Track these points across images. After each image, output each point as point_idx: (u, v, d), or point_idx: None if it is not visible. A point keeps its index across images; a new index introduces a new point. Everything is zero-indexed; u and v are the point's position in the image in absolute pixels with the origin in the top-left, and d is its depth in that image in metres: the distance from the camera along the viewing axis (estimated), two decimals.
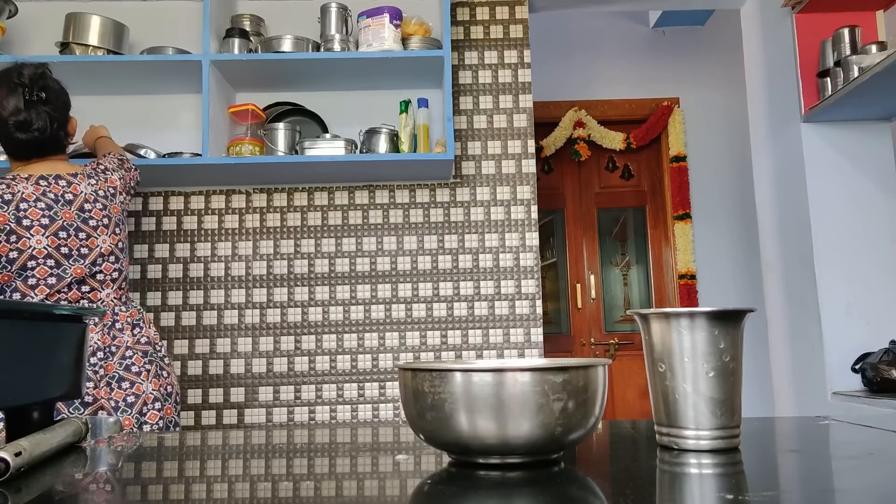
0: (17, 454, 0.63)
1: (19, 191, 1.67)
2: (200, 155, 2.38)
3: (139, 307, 1.87)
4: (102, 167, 1.86)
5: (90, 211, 1.75)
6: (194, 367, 2.55)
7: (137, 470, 0.74)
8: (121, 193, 1.85)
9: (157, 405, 1.74)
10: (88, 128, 2.26)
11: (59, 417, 0.85)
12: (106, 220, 1.77)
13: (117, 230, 1.80)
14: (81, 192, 1.75)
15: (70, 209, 1.72)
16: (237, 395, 2.55)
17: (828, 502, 0.52)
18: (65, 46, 2.41)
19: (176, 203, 2.63)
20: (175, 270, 2.60)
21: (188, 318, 2.58)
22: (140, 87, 2.59)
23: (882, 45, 2.27)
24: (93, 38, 2.41)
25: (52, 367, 0.82)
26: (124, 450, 0.85)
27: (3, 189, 1.67)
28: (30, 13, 2.61)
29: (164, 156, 2.48)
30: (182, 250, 2.61)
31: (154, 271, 2.60)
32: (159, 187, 2.62)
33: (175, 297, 2.58)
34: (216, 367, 2.56)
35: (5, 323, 0.72)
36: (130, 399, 1.69)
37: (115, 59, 2.40)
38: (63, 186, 1.73)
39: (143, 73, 2.47)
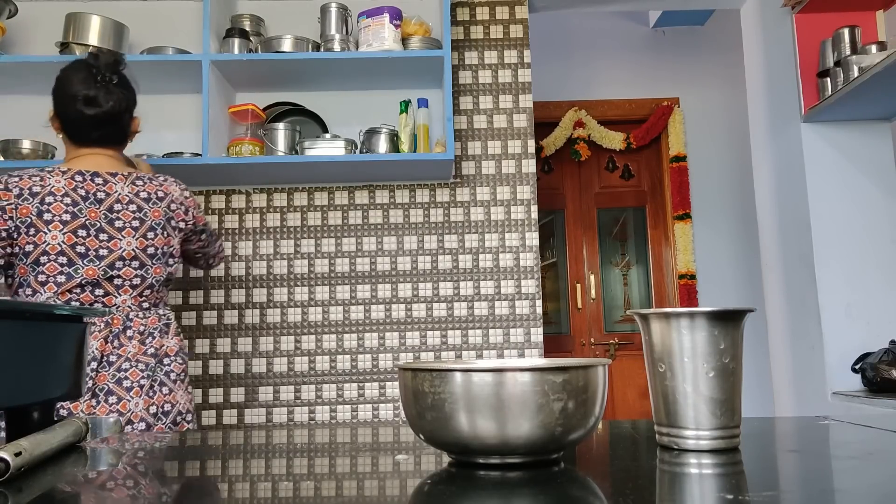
0: (17, 454, 0.63)
1: (50, 184, 1.63)
2: (200, 155, 2.38)
3: (165, 314, 1.75)
4: (163, 177, 1.79)
5: (119, 212, 1.67)
6: (194, 367, 2.55)
7: (137, 470, 0.74)
8: (171, 203, 1.76)
9: (143, 425, 1.62)
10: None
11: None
12: (136, 223, 1.69)
13: (150, 235, 1.70)
14: (116, 192, 1.68)
15: (98, 208, 1.66)
16: (237, 395, 2.55)
17: (828, 502, 0.52)
18: (65, 46, 2.41)
19: None
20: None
21: (188, 319, 2.58)
22: (140, 87, 2.59)
23: (882, 45, 2.27)
24: (93, 38, 2.41)
25: (52, 367, 0.82)
26: (124, 450, 0.85)
27: (35, 181, 1.63)
28: (30, 13, 2.61)
29: (164, 156, 2.48)
30: None
31: None
32: None
33: (175, 298, 2.58)
34: (216, 367, 2.56)
35: (5, 323, 0.72)
36: (112, 417, 1.62)
37: None
38: (98, 185, 1.67)
39: (142, 73, 2.46)
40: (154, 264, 1.71)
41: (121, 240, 1.66)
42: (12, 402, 0.74)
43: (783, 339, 2.71)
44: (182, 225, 1.80)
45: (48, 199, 1.62)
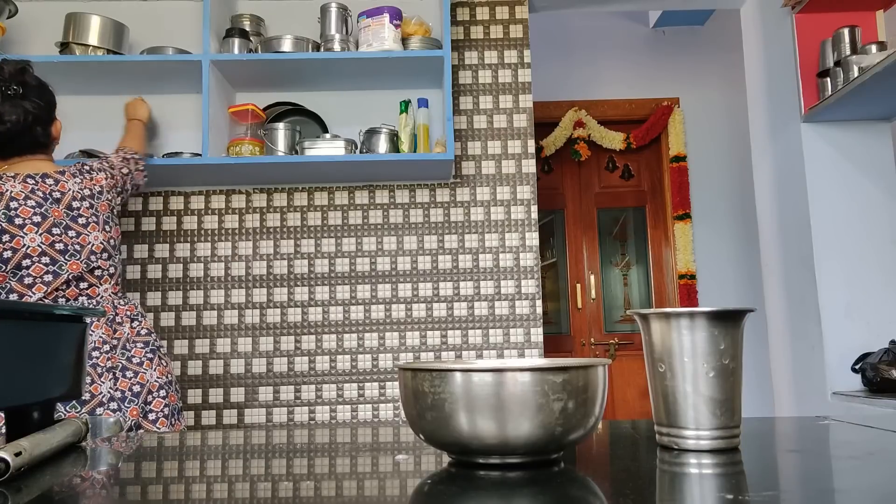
0: (17, 454, 0.63)
1: (7, 190, 1.66)
2: (200, 155, 2.38)
3: (135, 303, 1.89)
4: (88, 167, 1.86)
5: (78, 209, 1.74)
6: (194, 367, 2.55)
7: (137, 470, 0.74)
8: (107, 192, 1.84)
9: (162, 393, 1.75)
10: (134, 101, 2.38)
11: (56, 417, 0.85)
12: (95, 218, 1.77)
13: (107, 227, 1.80)
14: (69, 189, 1.74)
15: (59, 207, 1.71)
16: (237, 395, 2.55)
17: (828, 502, 0.52)
18: (65, 46, 2.41)
19: (176, 203, 2.63)
20: (175, 270, 2.60)
21: (188, 318, 2.58)
22: (140, 87, 2.59)
23: (882, 45, 2.27)
24: (93, 38, 2.41)
25: (52, 367, 0.82)
26: (124, 450, 0.85)
27: None
28: (30, 13, 2.61)
29: (164, 156, 2.48)
30: (182, 250, 2.61)
31: (154, 271, 2.60)
32: (159, 187, 2.61)
33: (175, 297, 2.58)
34: (216, 367, 2.56)
35: (5, 323, 0.72)
36: (136, 388, 1.69)
37: (115, 59, 2.40)
38: (50, 185, 1.72)
39: (143, 73, 2.47)
40: (117, 253, 1.82)
41: (88, 234, 1.73)
42: (12, 402, 0.74)
43: (783, 339, 2.71)
44: (119, 205, 1.89)
45: (12, 204, 1.65)
